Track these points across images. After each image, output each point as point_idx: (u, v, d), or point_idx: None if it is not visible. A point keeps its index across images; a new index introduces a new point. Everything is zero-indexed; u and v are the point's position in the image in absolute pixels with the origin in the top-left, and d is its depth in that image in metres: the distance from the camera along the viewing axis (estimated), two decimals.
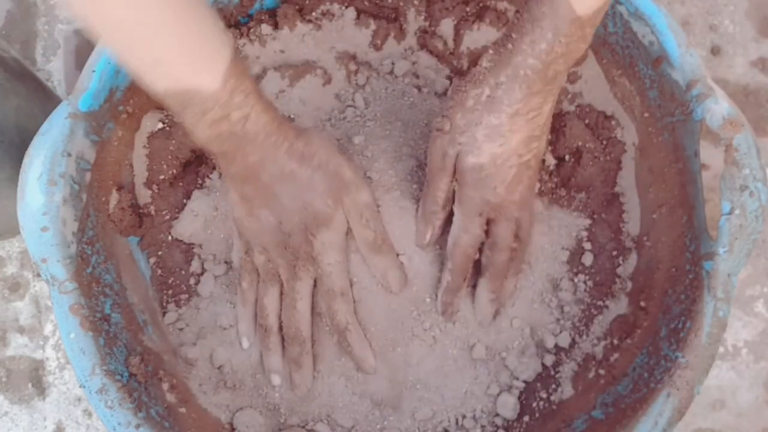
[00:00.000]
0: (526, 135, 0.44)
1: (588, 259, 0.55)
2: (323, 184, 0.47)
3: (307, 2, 0.58)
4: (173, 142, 0.55)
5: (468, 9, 0.59)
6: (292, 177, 0.46)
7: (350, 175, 0.48)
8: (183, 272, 0.55)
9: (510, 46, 0.42)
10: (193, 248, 0.56)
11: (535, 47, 0.41)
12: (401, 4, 0.59)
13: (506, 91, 0.43)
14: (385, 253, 0.50)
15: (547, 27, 0.40)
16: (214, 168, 0.57)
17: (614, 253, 0.55)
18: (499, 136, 0.44)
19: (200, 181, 0.57)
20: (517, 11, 0.43)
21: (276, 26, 0.58)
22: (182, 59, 0.38)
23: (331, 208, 0.47)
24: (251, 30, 0.57)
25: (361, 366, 0.51)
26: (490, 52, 0.44)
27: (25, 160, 0.46)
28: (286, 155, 0.45)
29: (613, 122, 0.56)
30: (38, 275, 0.66)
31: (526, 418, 0.52)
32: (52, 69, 0.71)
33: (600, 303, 0.54)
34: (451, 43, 0.60)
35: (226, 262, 0.55)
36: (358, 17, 0.59)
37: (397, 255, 0.52)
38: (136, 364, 0.47)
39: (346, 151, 0.54)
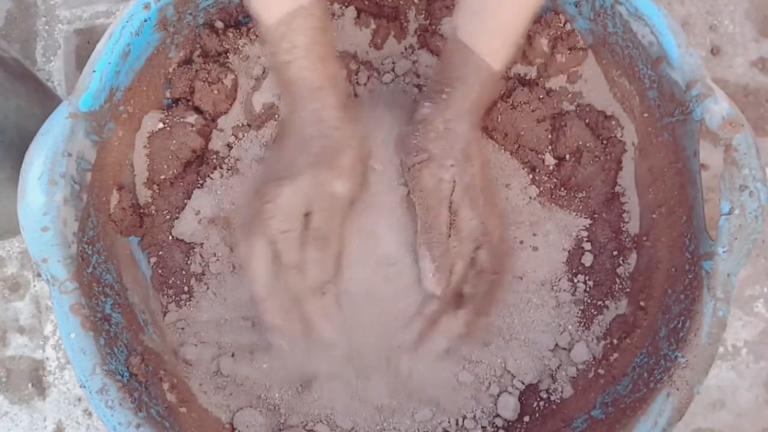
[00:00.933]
0: (482, 159, 0.51)
1: (588, 260, 0.55)
2: (315, 147, 0.47)
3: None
4: (173, 142, 0.55)
5: None
6: (299, 132, 0.48)
7: (342, 162, 0.48)
8: (183, 272, 0.55)
9: (444, 96, 0.49)
10: (194, 248, 0.56)
11: (467, 97, 0.48)
12: (401, 2, 0.59)
13: (457, 124, 0.49)
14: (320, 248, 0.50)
15: (473, 82, 0.48)
16: (215, 168, 0.57)
17: (614, 252, 0.55)
18: (470, 157, 0.49)
19: (201, 181, 0.57)
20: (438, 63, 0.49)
21: None
22: None
23: (302, 165, 0.47)
24: (251, 30, 0.57)
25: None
26: (426, 104, 0.50)
27: (26, 160, 0.46)
28: (307, 112, 0.48)
29: (613, 122, 0.56)
30: (38, 275, 0.66)
31: (526, 419, 0.52)
32: (52, 69, 0.71)
33: (600, 303, 0.54)
34: None
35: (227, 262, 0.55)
36: (358, 16, 0.59)
37: (391, 264, 0.52)
38: (137, 364, 0.47)
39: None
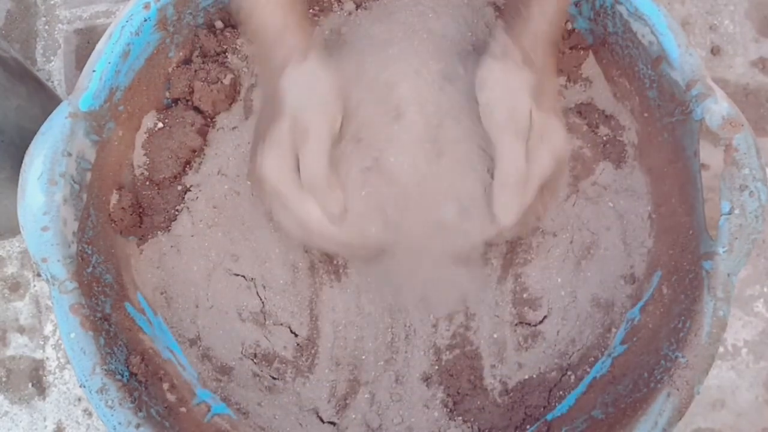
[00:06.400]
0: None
1: None
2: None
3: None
4: (173, 141, 0.55)
5: None
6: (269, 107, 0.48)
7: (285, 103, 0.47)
8: None
9: (522, 15, 0.46)
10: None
11: (546, 13, 0.46)
12: None
13: (536, 52, 0.46)
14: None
15: None
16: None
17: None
18: (545, 91, 0.48)
19: (198, 182, 0.57)
20: None
21: None
22: None
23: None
24: None
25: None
26: (500, 31, 0.47)
27: (26, 159, 0.46)
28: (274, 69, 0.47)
29: (613, 122, 0.56)
30: (38, 275, 0.67)
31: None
32: (52, 69, 0.71)
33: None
34: None
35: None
36: (357, 9, 0.59)
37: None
38: (137, 363, 0.47)
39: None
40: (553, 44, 0.48)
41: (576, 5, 0.53)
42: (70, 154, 0.46)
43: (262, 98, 0.49)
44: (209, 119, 0.57)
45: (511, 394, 0.53)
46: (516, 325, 0.54)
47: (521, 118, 0.45)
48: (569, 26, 0.55)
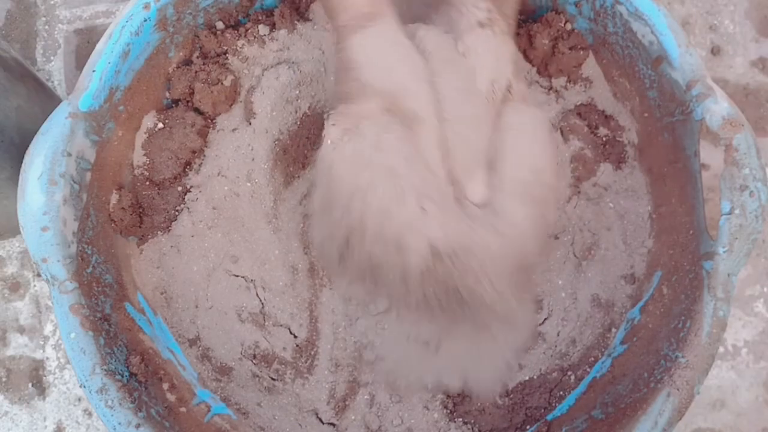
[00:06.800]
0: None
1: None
2: None
3: (303, 0, 0.58)
4: (173, 142, 0.55)
5: None
6: None
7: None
8: None
9: None
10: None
11: None
12: None
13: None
14: None
15: None
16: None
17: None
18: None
19: (198, 183, 0.57)
20: None
21: (274, 26, 0.58)
22: None
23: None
24: (249, 30, 0.57)
25: None
26: None
27: (26, 159, 0.46)
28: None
29: (612, 122, 0.56)
30: (38, 275, 0.66)
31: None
32: (52, 69, 0.71)
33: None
34: None
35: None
36: None
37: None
38: (137, 363, 0.47)
39: None
40: (516, 14, 0.50)
41: (576, 5, 0.53)
42: (70, 154, 0.46)
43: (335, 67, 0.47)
44: (209, 120, 0.57)
45: (512, 395, 0.53)
46: None
47: (501, 88, 0.46)
48: (569, 26, 0.55)
